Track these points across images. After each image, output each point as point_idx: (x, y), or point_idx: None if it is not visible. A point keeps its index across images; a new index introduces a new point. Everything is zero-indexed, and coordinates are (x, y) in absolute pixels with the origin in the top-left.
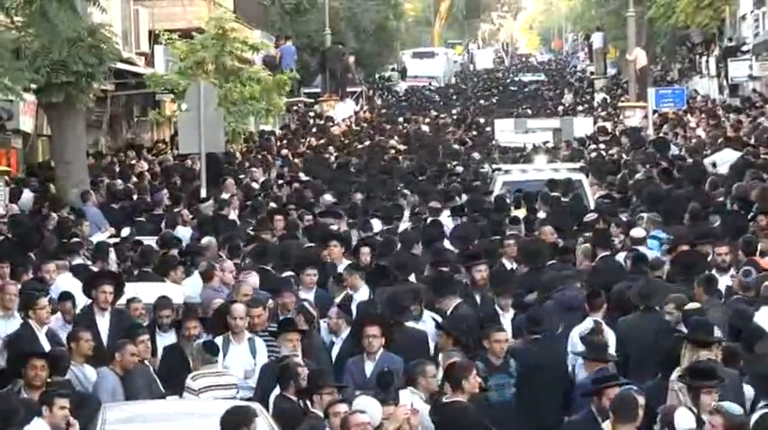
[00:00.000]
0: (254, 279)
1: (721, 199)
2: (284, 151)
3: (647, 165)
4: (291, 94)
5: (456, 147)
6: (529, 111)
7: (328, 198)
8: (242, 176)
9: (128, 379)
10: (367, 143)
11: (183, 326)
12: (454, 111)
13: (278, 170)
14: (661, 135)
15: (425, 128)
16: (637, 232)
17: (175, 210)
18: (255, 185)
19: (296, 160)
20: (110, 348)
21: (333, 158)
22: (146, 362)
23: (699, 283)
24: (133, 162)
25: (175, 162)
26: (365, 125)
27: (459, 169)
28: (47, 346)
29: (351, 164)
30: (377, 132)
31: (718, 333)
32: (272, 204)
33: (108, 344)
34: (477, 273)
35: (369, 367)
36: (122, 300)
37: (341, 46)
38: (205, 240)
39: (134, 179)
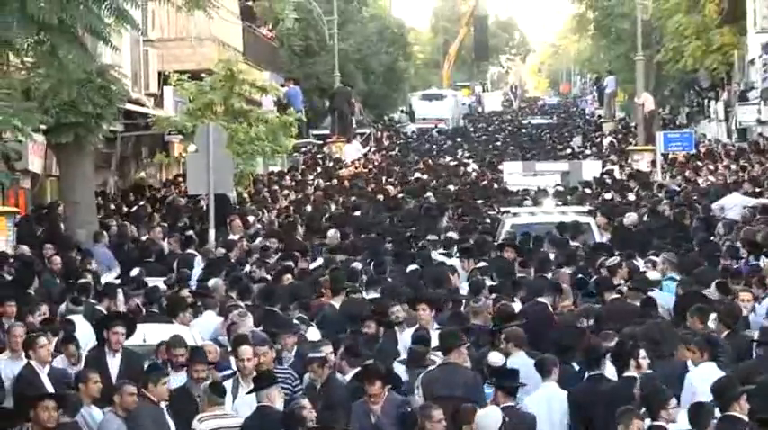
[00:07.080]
0: (249, 320)
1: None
2: (291, 194)
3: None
4: (300, 136)
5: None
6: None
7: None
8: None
9: (132, 420)
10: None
11: (191, 369)
12: (467, 154)
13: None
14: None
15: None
16: (653, 275)
17: (187, 251)
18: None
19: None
20: (111, 389)
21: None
22: (161, 404)
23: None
24: (141, 203)
25: (184, 201)
26: (373, 168)
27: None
28: (50, 386)
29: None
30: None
31: None
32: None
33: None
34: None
35: (374, 412)
36: (130, 341)
37: (348, 87)
38: (212, 282)
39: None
